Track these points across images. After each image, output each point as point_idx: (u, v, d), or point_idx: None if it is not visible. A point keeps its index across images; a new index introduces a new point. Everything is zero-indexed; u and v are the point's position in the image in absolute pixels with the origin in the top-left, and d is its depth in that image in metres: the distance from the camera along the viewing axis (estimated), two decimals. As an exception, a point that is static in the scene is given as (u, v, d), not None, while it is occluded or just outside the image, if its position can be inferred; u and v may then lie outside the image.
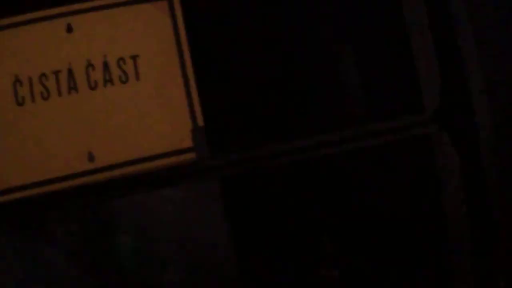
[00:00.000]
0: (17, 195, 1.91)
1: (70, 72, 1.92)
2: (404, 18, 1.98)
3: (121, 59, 1.91)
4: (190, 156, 1.90)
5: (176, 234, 1.95)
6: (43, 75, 1.92)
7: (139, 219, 1.95)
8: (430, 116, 2.00)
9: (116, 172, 1.92)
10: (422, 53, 2.01)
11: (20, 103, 1.92)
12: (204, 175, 1.91)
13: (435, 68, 2.02)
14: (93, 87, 1.91)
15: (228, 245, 1.91)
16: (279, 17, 2.00)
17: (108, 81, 1.92)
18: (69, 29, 1.94)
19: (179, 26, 1.92)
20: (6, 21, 1.97)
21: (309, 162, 1.95)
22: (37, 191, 1.92)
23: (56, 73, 1.91)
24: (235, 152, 1.90)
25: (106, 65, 1.91)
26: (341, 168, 2.02)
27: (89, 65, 1.91)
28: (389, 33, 2.04)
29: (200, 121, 1.90)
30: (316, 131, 1.91)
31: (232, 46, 1.99)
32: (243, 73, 1.97)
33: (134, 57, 1.92)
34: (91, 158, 1.92)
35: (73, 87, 1.92)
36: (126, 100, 1.92)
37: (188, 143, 1.90)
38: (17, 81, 1.92)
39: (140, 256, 2.00)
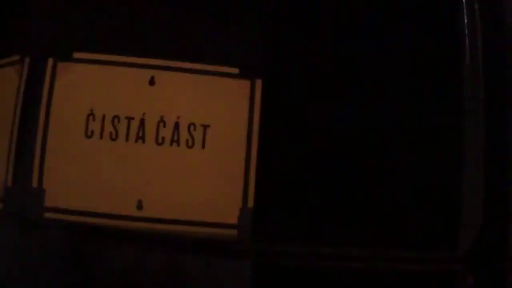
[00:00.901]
0: (62, 216, 1.99)
1: (142, 122, 2.01)
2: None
3: (192, 124, 2.00)
4: (232, 233, 1.96)
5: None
6: (116, 117, 2.01)
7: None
8: (461, 254, 2.05)
9: (158, 226, 1.99)
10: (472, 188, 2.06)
11: (89, 136, 2.01)
12: (240, 256, 1.96)
13: (478, 208, 2.07)
14: (159, 142, 2.00)
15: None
16: (350, 124, 2.07)
17: (175, 141, 2.00)
18: (152, 82, 2.04)
19: (255, 108, 2.01)
20: (94, 56, 2.08)
21: (339, 271, 2.00)
22: (80, 219, 2.00)
23: (129, 119, 2.01)
24: (276, 242, 1.96)
25: (177, 126, 2.00)
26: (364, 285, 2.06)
27: (161, 121, 2.00)
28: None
29: (251, 202, 1.97)
30: (353, 243, 1.97)
31: (302, 142, 2.06)
32: (306, 170, 2.04)
33: (205, 126, 2.01)
34: (139, 206, 1.99)
35: (141, 137, 2.00)
36: (187, 163, 2.00)
37: (233, 219, 1.97)
38: (91, 114, 2.01)
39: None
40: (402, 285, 2.06)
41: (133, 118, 2.00)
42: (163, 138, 2.00)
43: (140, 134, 2.00)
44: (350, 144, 2.06)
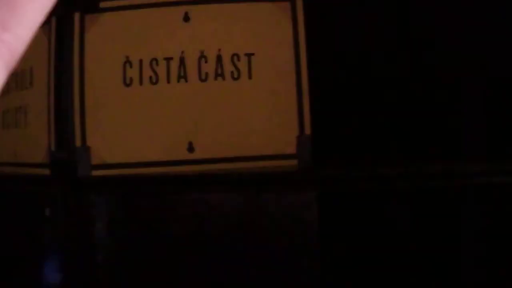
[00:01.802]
0: (112, 172, 1.90)
1: (182, 61, 1.88)
2: None
3: (236, 55, 1.87)
4: (292, 162, 1.84)
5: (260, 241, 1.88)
6: (154, 60, 1.89)
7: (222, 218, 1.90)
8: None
9: (214, 167, 1.88)
10: None
11: (127, 84, 1.90)
12: (304, 186, 1.84)
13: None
14: (203, 79, 1.88)
15: (317, 264, 1.84)
16: (404, 35, 1.94)
17: (220, 75, 1.88)
18: (186, 18, 1.91)
19: (299, 30, 1.87)
20: (121, 2, 1.96)
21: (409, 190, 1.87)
22: (130, 171, 1.90)
23: (168, 60, 1.89)
24: (339, 168, 1.83)
25: (219, 59, 1.87)
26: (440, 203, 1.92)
27: (202, 57, 1.88)
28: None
29: (308, 129, 1.84)
30: (417, 160, 1.83)
31: (351, 57, 1.93)
32: (360, 87, 1.91)
33: (249, 55, 1.87)
34: (191, 148, 1.88)
35: (182, 76, 1.88)
36: (235, 96, 1.87)
37: (292, 149, 1.84)
38: (127, 62, 1.90)
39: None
40: (471, 200, 1.92)
41: (171, 58, 1.89)
42: (206, 74, 1.88)
43: (182, 74, 1.88)
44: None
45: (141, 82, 1.89)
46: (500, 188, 1.83)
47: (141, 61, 1.89)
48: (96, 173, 1.91)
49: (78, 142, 1.91)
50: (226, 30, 1.90)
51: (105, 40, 1.94)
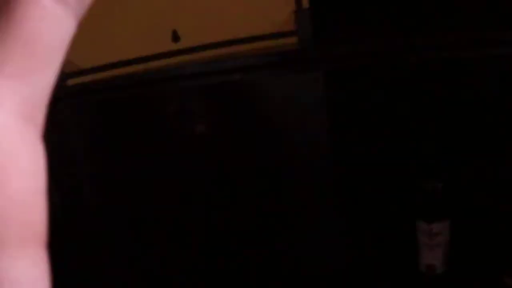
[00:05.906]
0: (87, 78, 1.77)
1: None
2: None
3: None
4: (292, 40, 1.70)
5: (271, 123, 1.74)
6: None
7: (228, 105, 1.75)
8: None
9: (206, 54, 1.74)
10: None
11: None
12: (307, 65, 1.69)
13: None
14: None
15: (326, 143, 1.72)
16: None
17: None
18: None
19: None
20: None
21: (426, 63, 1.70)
22: (109, 73, 1.77)
23: None
24: (341, 43, 1.67)
25: None
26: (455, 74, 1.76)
27: None
28: None
29: (305, 2, 1.68)
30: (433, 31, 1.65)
31: None
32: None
33: None
34: (175, 37, 1.73)
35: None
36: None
37: (290, 25, 1.70)
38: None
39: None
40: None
41: None
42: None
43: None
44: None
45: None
46: None
47: None
48: (70, 82, 1.77)
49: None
50: None
51: None
